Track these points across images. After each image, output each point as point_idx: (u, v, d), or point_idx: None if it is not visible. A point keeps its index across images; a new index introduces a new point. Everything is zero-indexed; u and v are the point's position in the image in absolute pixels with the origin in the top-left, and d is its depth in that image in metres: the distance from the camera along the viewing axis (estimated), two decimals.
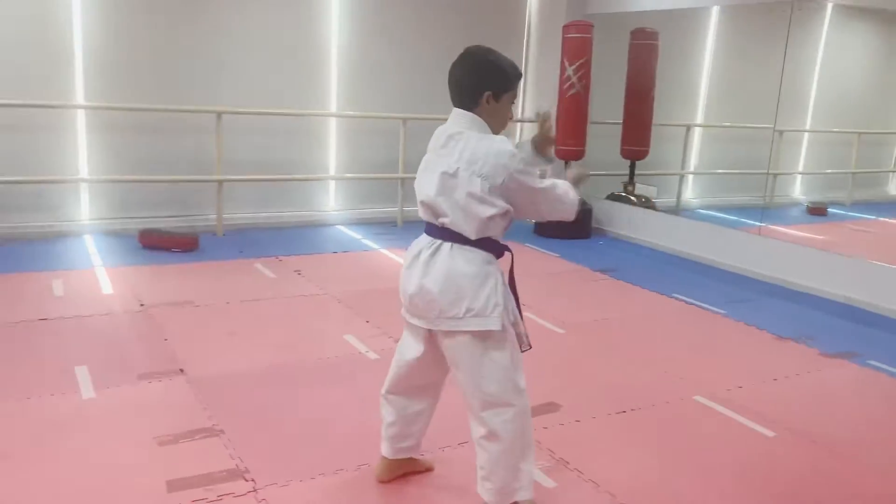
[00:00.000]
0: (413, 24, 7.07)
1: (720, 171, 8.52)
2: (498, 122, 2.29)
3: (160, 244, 5.68)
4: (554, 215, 2.35)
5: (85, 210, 6.04)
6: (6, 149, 5.62)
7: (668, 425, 3.18)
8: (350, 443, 2.84)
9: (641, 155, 7.46)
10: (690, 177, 8.97)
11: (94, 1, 5.76)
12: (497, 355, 2.23)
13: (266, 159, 6.57)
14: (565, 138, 6.93)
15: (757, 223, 6.49)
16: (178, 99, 6.04)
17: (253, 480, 2.56)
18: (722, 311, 4.86)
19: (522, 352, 2.33)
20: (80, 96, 5.84)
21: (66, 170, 5.87)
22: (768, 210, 8.75)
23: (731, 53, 7.85)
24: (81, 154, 5.93)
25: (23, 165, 5.67)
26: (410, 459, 2.62)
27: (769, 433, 3.15)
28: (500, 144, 2.20)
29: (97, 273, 4.96)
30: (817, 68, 7.62)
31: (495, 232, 2.24)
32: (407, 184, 7.08)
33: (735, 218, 6.94)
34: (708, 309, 4.91)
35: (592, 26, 6.83)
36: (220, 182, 6.14)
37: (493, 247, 2.26)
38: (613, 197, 7.45)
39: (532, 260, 6.01)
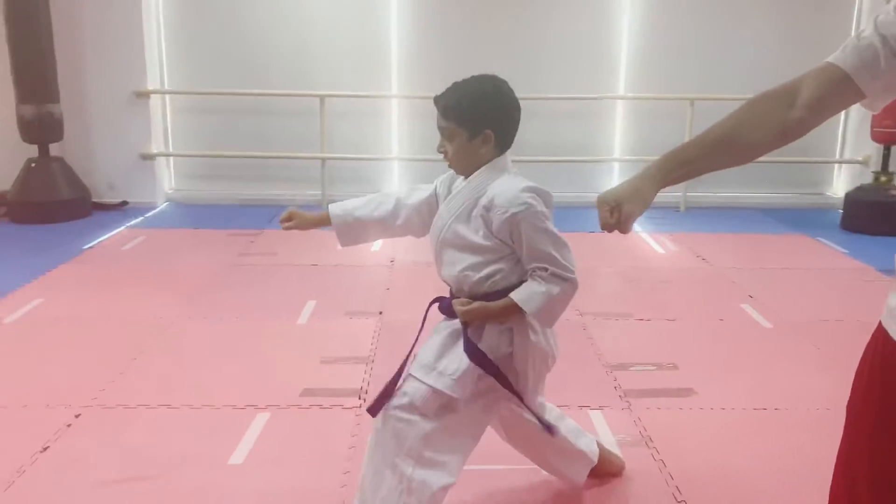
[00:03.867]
0: None
1: None
2: None
3: None
4: None
5: (395, 183, 7.17)
6: (340, 132, 6.96)
7: (801, 430, 2.89)
8: None
9: None
10: None
11: (405, 5, 6.78)
12: None
13: (553, 141, 6.97)
14: (881, 118, 6.02)
15: None
16: None
17: (364, 400, 3.10)
18: None
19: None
20: (394, 87, 6.94)
21: (382, 149, 7.04)
22: None
23: None
24: (394, 136, 7.05)
25: (352, 145, 6.97)
26: None
27: None
28: None
29: None
30: None
31: None
32: None
33: None
34: None
35: None
36: None
37: None
38: None
39: (808, 253, 5.43)
